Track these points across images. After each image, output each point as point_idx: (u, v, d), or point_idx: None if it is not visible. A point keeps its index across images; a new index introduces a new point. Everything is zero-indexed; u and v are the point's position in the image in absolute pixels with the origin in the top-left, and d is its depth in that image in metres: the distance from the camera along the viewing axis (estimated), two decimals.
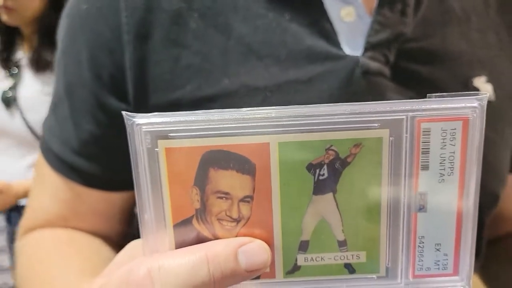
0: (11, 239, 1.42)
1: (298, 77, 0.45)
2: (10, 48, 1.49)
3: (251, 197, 0.29)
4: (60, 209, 0.53)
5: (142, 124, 0.28)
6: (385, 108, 0.28)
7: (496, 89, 0.49)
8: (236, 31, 0.45)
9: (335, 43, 0.45)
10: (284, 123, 0.28)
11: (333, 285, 0.31)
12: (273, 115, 0.28)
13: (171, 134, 0.28)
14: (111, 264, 0.34)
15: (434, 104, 0.28)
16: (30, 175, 1.36)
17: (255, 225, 0.29)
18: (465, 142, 0.28)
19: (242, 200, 0.29)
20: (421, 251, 0.30)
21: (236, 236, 0.29)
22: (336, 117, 0.28)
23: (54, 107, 0.52)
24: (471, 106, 0.28)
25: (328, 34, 0.45)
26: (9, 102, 1.43)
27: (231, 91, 0.45)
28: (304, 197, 0.29)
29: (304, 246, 0.30)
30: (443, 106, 0.28)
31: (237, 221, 0.29)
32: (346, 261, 0.30)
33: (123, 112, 0.28)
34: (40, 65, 1.43)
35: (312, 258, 0.30)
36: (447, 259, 0.30)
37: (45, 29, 1.41)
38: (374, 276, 0.30)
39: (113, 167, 0.50)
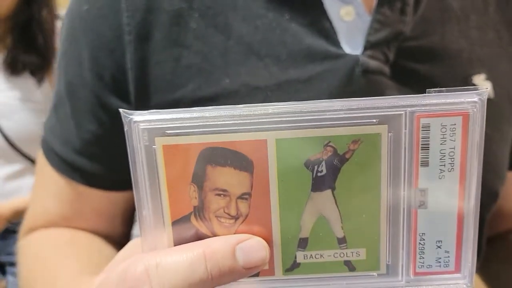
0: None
1: (298, 76, 0.45)
2: None
3: (249, 194, 0.29)
4: (62, 209, 0.53)
5: (139, 121, 0.28)
6: (384, 104, 0.28)
7: (495, 87, 0.49)
8: (236, 31, 0.45)
9: (335, 42, 0.45)
10: (282, 119, 0.28)
11: (332, 283, 0.30)
12: (270, 111, 0.28)
13: (168, 131, 0.28)
14: (112, 262, 0.34)
15: (434, 99, 0.27)
16: (8, 187, 1.28)
17: (254, 222, 0.29)
18: (466, 137, 0.28)
19: (240, 197, 0.29)
20: (422, 248, 0.30)
21: (235, 234, 0.29)
22: (334, 113, 0.28)
23: (55, 108, 0.53)
24: (471, 101, 0.27)
25: (328, 33, 0.45)
26: None
27: (232, 91, 0.45)
28: (302, 194, 0.29)
29: (303, 243, 0.30)
30: (442, 101, 0.27)
31: (236, 218, 0.29)
32: (345, 258, 0.30)
33: (121, 110, 0.28)
34: (14, 67, 1.28)
35: (311, 255, 0.30)
36: (448, 256, 0.30)
37: (19, 28, 1.28)
38: (374, 273, 0.30)
39: (115, 167, 0.50)
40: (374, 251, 0.30)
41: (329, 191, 0.29)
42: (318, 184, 0.29)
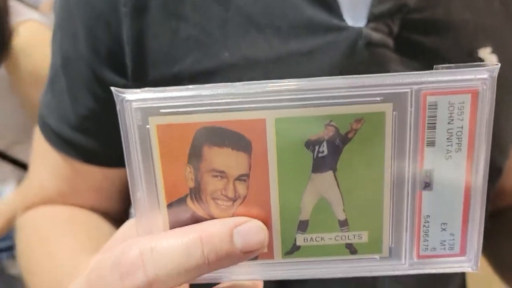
0: None
1: (299, 49, 0.44)
2: None
3: (247, 176, 0.28)
4: (59, 186, 0.52)
5: (132, 100, 0.27)
6: (388, 81, 0.26)
7: (501, 60, 0.47)
8: (235, 1, 0.44)
9: (337, 14, 0.44)
10: (281, 97, 0.26)
11: (334, 266, 0.29)
12: (269, 89, 0.26)
13: (162, 111, 0.27)
14: (110, 241, 0.33)
15: (441, 76, 0.26)
16: None
17: (252, 205, 0.28)
18: (474, 116, 0.26)
19: (238, 178, 0.28)
20: (426, 230, 0.29)
21: (233, 216, 0.28)
22: (336, 91, 0.26)
23: (51, 82, 0.51)
24: (481, 77, 0.26)
25: (330, 5, 0.43)
26: None
27: (231, 64, 0.44)
28: (302, 176, 0.28)
29: (303, 226, 0.29)
30: (450, 78, 0.26)
31: (233, 200, 0.28)
32: (347, 241, 0.29)
33: (112, 88, 0.27)
34: None
35: (312, 238, 0.29)
36: (453, 239, 0.29)
37: None
38: (376, 256, 0.29)
39: (111, 143, 0.49)
40: (377, 234, 0.29)
41: (330, 173, 0.28)
42: (319, 165, 0.27)
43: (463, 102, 0.26)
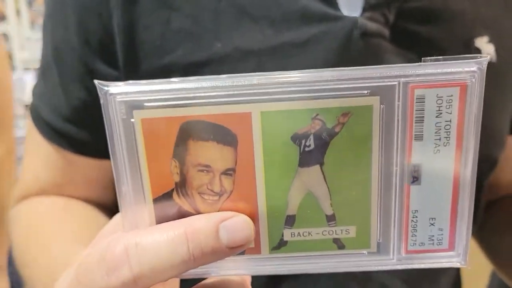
0: None
1: (293, 39, 0.43)
2: None
3: (233, 170, 0.27)
4: (53, 177, 0.52)
5: (115, 93, 0.26)
6: (376, 74, 0.26)
7: (498, 50, 0.46)
8: None
9: (332, 3, 0.43)
10: (267, 91, 0.26)
11: (321, 261, 0.29)
12: (255, 82, 0.26)
13: (147, 104, 0.26)
14: (100, 235, 0.33)
15: (429, 68, 0.25)
16: None
17: (239, 199, 0.28)
18: (463, 110, 0.26)
19: (224, 173, 0.27)
20: (415, 225, 0.28)
21: (219, 211, 0.28)
22: (322, 84, 0.26)
23: (43, 73, 0.51)
24: (469, 70, 0.25)
25: None
26: None
27: (224, 55, 0.44)
28: (289, 170, 0.27)
29: (290, 221, 0.28)
30: (438, 70, 0.25)
31: (219, 195, 0.28)
32: (335, 236, 0.29)
33: (96, 81, 0.27)
34: None
35: (299, 233, 0.29)
36: (442, 234, 0.28)
37: None
38: (364, 251, 0.29)
39: (103, 135, 0.48)
40: (365, 228, 0.28)
41: (317, 167, 0.27)
42: (306, 159, 0.27)
43: (452, 95, 0.26)
